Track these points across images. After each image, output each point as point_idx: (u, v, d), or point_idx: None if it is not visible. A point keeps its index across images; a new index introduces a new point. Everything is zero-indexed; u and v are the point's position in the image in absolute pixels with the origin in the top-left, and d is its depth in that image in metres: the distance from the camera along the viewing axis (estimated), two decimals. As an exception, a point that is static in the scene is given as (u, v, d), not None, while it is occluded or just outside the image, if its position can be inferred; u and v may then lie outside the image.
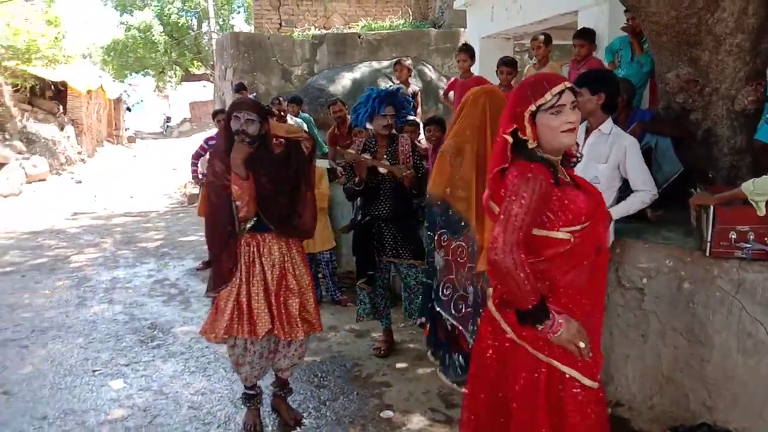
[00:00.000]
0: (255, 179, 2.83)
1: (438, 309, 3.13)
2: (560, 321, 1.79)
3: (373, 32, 11.81)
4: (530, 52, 8.00)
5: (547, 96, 1.82)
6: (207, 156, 5.92)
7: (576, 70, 4.93)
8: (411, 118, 4.90)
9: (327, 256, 5.16)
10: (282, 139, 2.97)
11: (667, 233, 3.18)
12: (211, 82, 22.90)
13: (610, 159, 3.03)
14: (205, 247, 6.50)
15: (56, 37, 14.22)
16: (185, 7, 25.87)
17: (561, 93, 1.83)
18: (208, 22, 24.66)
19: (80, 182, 14.09)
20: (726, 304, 2.75)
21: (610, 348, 3.17)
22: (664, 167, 3.41)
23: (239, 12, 28.14)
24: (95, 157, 18.20)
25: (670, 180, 3.37)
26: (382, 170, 3.79)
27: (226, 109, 3.10)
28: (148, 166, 17.66)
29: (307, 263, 3.10)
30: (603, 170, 3.04)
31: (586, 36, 5.13)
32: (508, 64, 5.57)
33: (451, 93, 6.39)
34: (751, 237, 2.65)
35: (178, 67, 27.59)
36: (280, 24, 13.52)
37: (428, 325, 3.29)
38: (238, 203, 2.80)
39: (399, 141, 3.91)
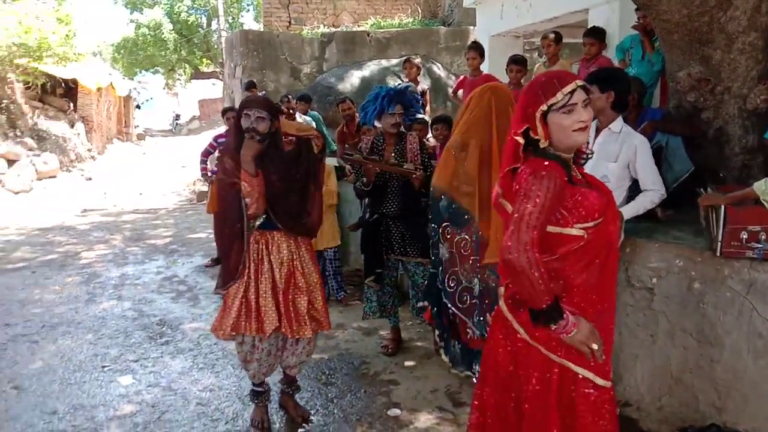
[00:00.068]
0: (265, 177, 2.83)
1: (444, 300, 3.22)
2: (574, 321, 1.78)
3: (382, 30, 11.82)
4: (540, 50, 7.96)
5: (559, 95, 1.80)
6: (216, 153, 5.97)
7: (586, 69, 4.90)
8: (419, 116, 4.90)
9: (331, 254, 5.16)
10: (292, 137, 2.97)
11: (677, 233, 3.16)
12: (221, 79, 22.99)
13: (620, 158, 3.02)
14: (214, 244, 6.53)
15: (67, 35, 14.29)
16: (195, 5, 25.99)
17: (572, 92, 1.81)
18: (218, 20, 24.76)
19: (90, 179, 14.17)
20: (736, 305, 2.73)
21: (619, 348, 3.15)
22: (674, 166, 3.39)
23: (248, 10, 28.24)
24: (105, 155, 18.30)
25: (681, 179, 3.35)
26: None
27: (236, 106, 3.11)
28: (157, 164, 17.74)
29: (315, 261, 3.11)
30: (613, 169, 3.03)
31: (597, 34, 5.10)
32: (518, 63, 5.56)
33: (460, 91, 6.37)
34: (763, 237, 2.63)
35: (187, 65, 27.71)
36: (290, 22, 13.54)
37: (430, 309, 3.41)
38: (247, 200, 2.81)
39: (407, 139, 3.90)
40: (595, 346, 1.80)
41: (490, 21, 8.30)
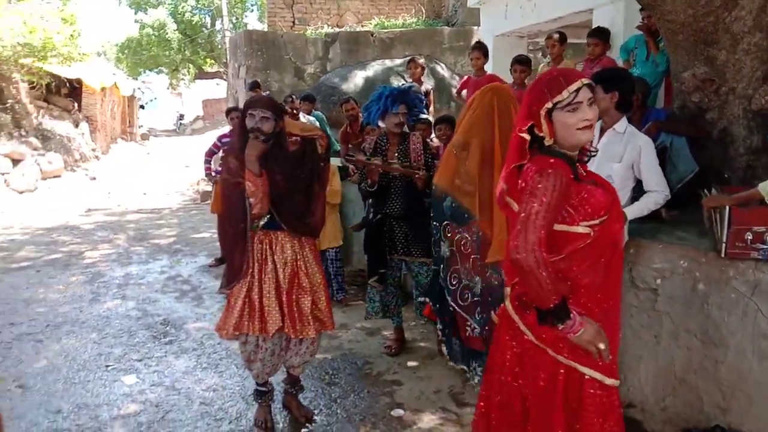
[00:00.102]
0: (269, 177, 2.83)
1: (447, 296, 3.26)
2: (581, 321, 1.78)
3: (386, 30, 11.82)
4: (544, 50, 7.97)
5: (564, 93, 1.80)
6: (220, 153, 5.97)
7: (590, 69, 4.89)
8: (423, 116, 4.89)
9: (332, 254, 5.15)
10: (297, 137, 2.98)
11: (681, 233, 3.15)
12: (224, 79, 23.03)
13: (625, 158, 3.01)
14: (218, 244, 6.53)
15: (72, 35, 14.32)
16: (199, 6, 26.06)
17: (578, 90, 1.80)
18: (222, 20, 24.84)
19: (94, 179, 14.20)
20: (741, 306, 2.72)
21: (623, 349, 3.13)
22: (679, 167, 3.38)
23: (252, 10, 28.32)
24: (109, 154, 18.34)
25: (685, 180, 3.35)
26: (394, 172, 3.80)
27: (240, 106, 3.11)
28: (161, 164, 17.76)
29: (319, 261, 3.11)
30: (617, 170, 3.02)
31: (601, 35, 5.10)
32: (522, 63, 5.55)
33: (464, 91, 6.37)
34: (768, 238, 2.62)
35: (191, 65, 27.78)
36: (294, 22, 13.56)
37: (432, 305, 3.47)
38: (251, 200, 2.81)
39: (410, 139, 3.90)
40: (602, 346, 1.79)
41: (495, 21, 8.30)
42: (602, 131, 3.08)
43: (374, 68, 10.61)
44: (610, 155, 3.01)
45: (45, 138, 13.80)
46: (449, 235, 3.20)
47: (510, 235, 1.85)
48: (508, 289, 1.99)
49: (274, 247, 2.93)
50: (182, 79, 30.56)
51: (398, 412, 3.27)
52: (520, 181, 1.86)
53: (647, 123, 3.61)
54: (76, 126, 15.77)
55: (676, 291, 2.95)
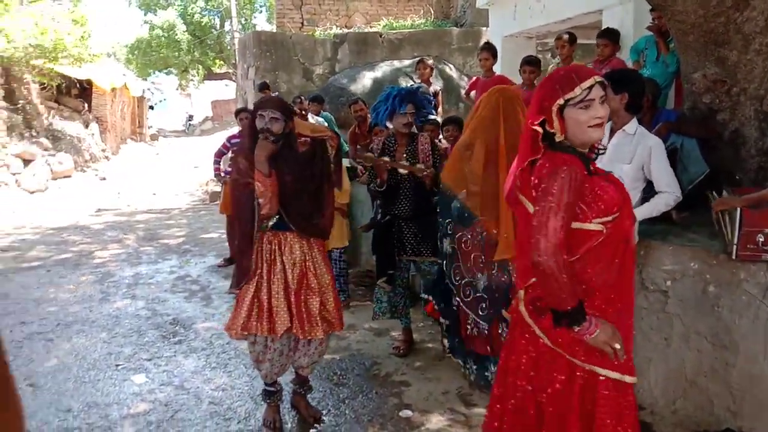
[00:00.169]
0: (278, 177, 2.84)
1: (452, 290, 3.30)
2: (596, 322, 1.77)
3: (394, 31, 11.82)
4: (553, 51, 7.94)
5: (577, 90, 1.79)
6: (229, 154, 5.99)
7: (599, 70, 4.87)
8: (431, 117, 4.89)
9: (337, 255, 5.14)
10: (307, 138, 2.98)
11: (692, 235, 3.13)
12: (233, 80, 23.12)
13: (635, 160, 3.00)
14: (227, 244, 6.56)
15: (82, 36, 14.43)
16: (208, 7, 26.19)
17: (590, 87, 1.80)
18: (231, 22, 24.93)
19: (104, 179, 14.30)
20: (752, 308, 2.70)
21: (633, 351, 3.12)
22: (689, 168, 3.37)
23: (261, 11, 28.41)
24: (119, 155, 18.45)
25: (696, 181, 3.33)
26: (402, 171, 3.80)
27: (249, 107, 3.13)
28: (170, 164, 17.85)
29: (328, 262, 3.11)
30: (627, 171, 3.00)
31: (610, 36, 5.07)
32: (531, 63, 5.54)
33: (473, 92, 6.36)
34: (779, 240, 2.60)
35: (200, 66, 27.89)
36: (302, 23, 13.58)
37: (436, 303, 3.51)
38: (260, 201, 2.82)
39: (419, 140, 3.90)
40: (617, 346, 1.79)
41: (503, 22, 8.28)
42: (612, 132, 3.07)
43: (383, 69, 10.61)
44: (619, 156, 3.00)
45: (55, 138, 13.91)
46: (450, 232, 3.25)
47: (525, 235, 1.84)
48: (521, 293, 1.98)
49: (283, 248, 2.94)
50: (191, 80, 30.69)
51: (406, 413, 3.27)
52: (532, 178, 1.86)
53: (657, 124, 3.59)
54: (87, 126, 15.89)
55: (686, 293, 2.93)
